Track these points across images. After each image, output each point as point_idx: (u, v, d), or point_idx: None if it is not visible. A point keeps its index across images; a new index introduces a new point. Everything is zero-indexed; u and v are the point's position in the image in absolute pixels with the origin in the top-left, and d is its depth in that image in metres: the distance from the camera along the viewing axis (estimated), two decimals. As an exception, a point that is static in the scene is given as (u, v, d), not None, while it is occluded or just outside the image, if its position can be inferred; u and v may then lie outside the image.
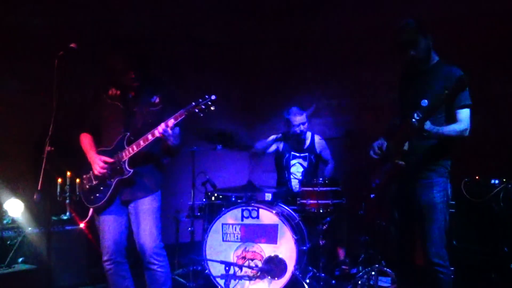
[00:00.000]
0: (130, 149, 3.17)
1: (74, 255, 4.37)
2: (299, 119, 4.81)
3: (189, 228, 4.59)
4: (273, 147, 5.03)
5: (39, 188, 2.65)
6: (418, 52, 3.05)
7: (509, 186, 3.89)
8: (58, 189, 4.42)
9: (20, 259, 4.01)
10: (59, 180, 4.43)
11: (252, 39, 6.26)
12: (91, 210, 3.36)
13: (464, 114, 3.00)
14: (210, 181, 4.70)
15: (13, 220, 4.16)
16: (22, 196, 4.20)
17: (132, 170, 3.17)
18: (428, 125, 2.83)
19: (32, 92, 4.76)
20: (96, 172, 3.21)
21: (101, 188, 3.25)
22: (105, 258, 3.25)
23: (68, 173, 4.49)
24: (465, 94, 3.00)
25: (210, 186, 4.70)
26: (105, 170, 3.18)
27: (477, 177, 4.08)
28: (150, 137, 3.12)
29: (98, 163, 3.20)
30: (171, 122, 3.06)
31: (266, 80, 6.48)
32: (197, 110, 3.01)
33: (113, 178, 3.22)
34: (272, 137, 4.99)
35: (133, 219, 3.27)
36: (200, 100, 3.01)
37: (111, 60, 3.29)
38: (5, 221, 4.14)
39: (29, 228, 4.16)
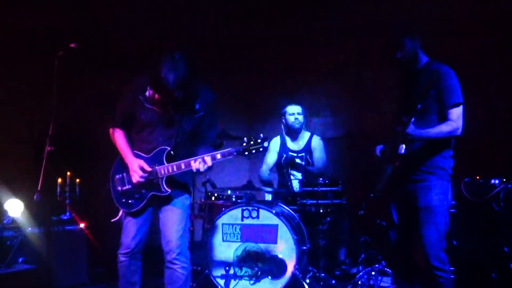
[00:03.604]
0: (170, 167, 3.10)
1: (74, 255, 4.38)
2: (295, 108, 4.90)
3: (189, 228, 4.59)
4: (274, 155, 5.00)
5: (39, 188, 2.65)
6: (404, 54, 3.05)
7: (509, 186, 3.88)
8: (58, 189, 4.43)
9: (20, 259, 4.01)
10: (59, 180, 4.43)
11: (252, 39, 6.26)
12: (121, 211, 3.30)
13: (455, 113, 2.96)
14: (210, 181, 4.70)
15: (13, 220, 4.16)
16: (22, 196, 4.20)
17: (169, 191, 3.13)
18: (410, 129, 2.84)
19: (32, 92, 4.76)
20: (134, 180, 3.15)
21: (135, 195, 3.20)
22: (121, 251, 3.24)
23: (68, 173, 4.50)
24: (455, 91, 2.97)
25: (210, 186, 4.70)
26: (143, 179, 3.13)
27: (477, 177, 4.07)
28: (192, 164, 3.04)
29: (137, 171, 3.12)
30: (218, 157, 2.99)
31: (266, 80, 6.48)
32: (246, 153, 2.91)
33: (148, 190, 3.17)
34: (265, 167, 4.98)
35: (162, 216, 3.24)
36: (252, 143, 2.90)
37: (165, 66, 3.03)
38: (5, 221, 4.14)
39: (29, 228, 4.16)
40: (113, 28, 5.27)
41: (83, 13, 5.07)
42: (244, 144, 2.90)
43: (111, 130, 3.31)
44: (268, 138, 2.93)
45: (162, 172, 3.12)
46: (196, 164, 3.03)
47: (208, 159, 3.01)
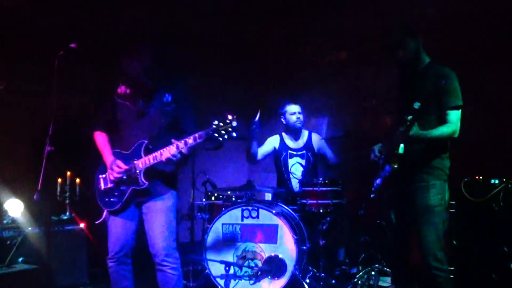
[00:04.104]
0: (146, 159, 3.11)
1: (74, 255, 4.38)
2: (296, 107, 4.88)
3: (189, 228, 4.59)
4: (269, 147, 5.00)
5: (39, 188, 2.65)
6: (406, 53, 3.08)
7: (509, 186, 3.89)
8: (58, 189, 4.43)
9: (20, 259, 4.01)
10: (59, 180, 4.43)
11: (253, 39, 6.26)
12: (105, 212, 3.32)
13: (453, 115, 3.00)
14: (210, 181, 4.70)
15: (13, 220, 4.16)
16: (22, 196, 4.20)
17: (147, 183, 3.13)
18: (413, 129, 2.85)
19: (32, 92, 4.76)
20: (111, 177, 3.18)
21: (116, 193, 3.22)
22: (109, 256, 3.25)
23: (68, 173, 4.50)
24: (457, 94, 3.00)
25: (210, 186, 4.70)
26: (120, 175, 3.15)
27: (477, 177, 4.08)
28: (166, 150, 3.04)
29: (114, 168, 3.15)
30: (190, 142, 2.98)
31: (266, 80, 6.48)
32: (216, 135, 2.85)
33: (128, 185, 3.18)
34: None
35: (146, 219, 3.24)
36: (221, 124, 2.84)
37: (126, 58, 3.19)
38: (5, 221, 4.14)
39: (29, 228, 4.16)
40: (113, 28, 5.26)
41: (83, 13, 5.07)
42: (214, 126, 2.85)
43: (93, 133, 3.36)
44: (236, 119, 2.86)
45: (140, 165, 3.14)
46: (172, 149, 3.00)
47: (180, 145, 3.00)
